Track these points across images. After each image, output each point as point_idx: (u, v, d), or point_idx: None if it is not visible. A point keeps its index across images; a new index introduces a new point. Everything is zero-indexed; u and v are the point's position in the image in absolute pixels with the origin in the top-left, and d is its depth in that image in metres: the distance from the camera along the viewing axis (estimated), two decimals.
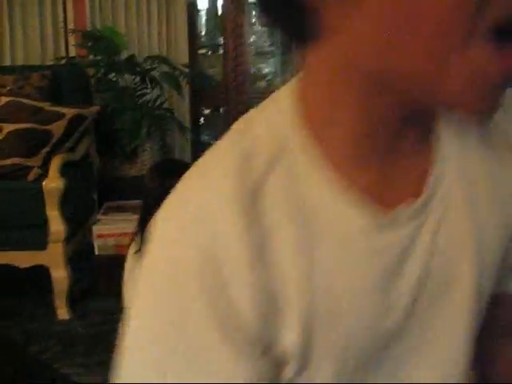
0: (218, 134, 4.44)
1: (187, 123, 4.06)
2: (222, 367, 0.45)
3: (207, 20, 4.45)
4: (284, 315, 0.47)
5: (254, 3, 4.38)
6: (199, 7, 4.42)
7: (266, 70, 4.61)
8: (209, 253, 0.45)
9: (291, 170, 0.49)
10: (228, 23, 4.04)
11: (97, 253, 2.49)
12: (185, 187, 0.53)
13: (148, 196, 1.87)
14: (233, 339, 0.45)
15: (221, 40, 4.23)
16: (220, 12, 4.30)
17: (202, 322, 0.45)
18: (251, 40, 4.26)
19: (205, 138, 4.51)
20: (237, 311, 0.45)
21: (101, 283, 2.48)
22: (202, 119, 4.52)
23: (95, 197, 3.01)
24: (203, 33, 4.48)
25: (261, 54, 4.57)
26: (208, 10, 4.47)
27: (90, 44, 3.26)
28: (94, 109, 2.73)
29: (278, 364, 0.48)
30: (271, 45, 4.58)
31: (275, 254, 0.46)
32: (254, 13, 4.39)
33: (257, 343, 0.46)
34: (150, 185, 1.88)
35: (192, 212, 0.48)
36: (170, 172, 1.90)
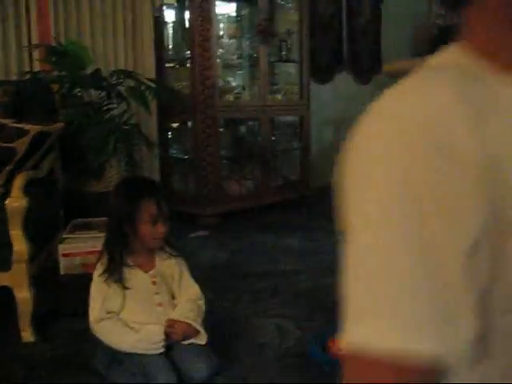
0: (185, 148, 4.40)
1: (154, 138, 4.02)
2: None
3: (174, 33, 4.42)
4: None
5: (222, 15, 4.38)
6: (166, 20, 4.39)
7: (234, 84, 4.60)
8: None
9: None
10: (195, 36, 4.02)
11: (62, 272, 2.43)
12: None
13: (113, 214, 1.83)
14: None
15: (188, 53, 4.21)
16: (187, 25, 4.27)
17: None
18: (219, 53, 4.24)
19: (172, 152, 4.47)
20: None
21: (67, 304, 2.42)
22: (169, 134, 4.47)
23: (61, 214, 2.95)
24: (170, 46, 4.44)
25: (228, 67, 4.56)
26: (175, 23, 4.45)
27: (54, 59, 3.21)
28: (59, 125, 2.67)
29: None
30: (239, 57, 4.58)
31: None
32: (221, 25, 4.39)
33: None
34: (114, 202, 1.84)
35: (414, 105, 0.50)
36: (135, 189, 1.87)
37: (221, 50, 4.33)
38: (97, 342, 1.96)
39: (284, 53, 4.81)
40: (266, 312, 2.47)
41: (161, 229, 1.84)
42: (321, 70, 5.73)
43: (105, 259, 1.87)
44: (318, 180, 5.55)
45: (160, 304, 1.90)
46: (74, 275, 2.42)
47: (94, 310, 1.85)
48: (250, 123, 4.74)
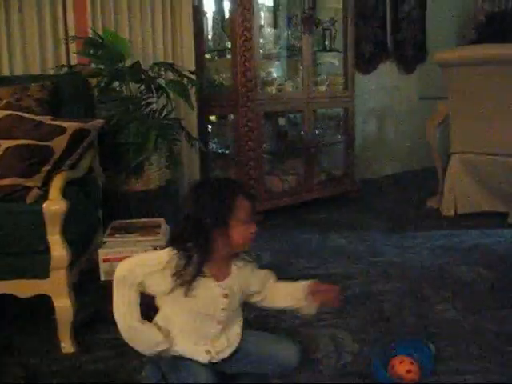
0: (226, 143, 4.24)
1: (195, 133, 3.87)
2: None
3: (214, 23, 4.26)
4: None
5: (261, 4, 4.20)
6: (205, 9, 4.23)
7: (276, 75, 4.42)
8: None
9: None
10: (236, 26, 3.85)
11: (103, 278, 2.30)
12: None
13: (196, 218, 1.64)
14: None
15: (228, 44, 4.04)
16: (227, 15, 4.11)
17: None
18: (260, 44, 4.06)
19: (213, 147, 4.32)
20: None
21: (108, 312, 2.28)
22: (209, 128, 4.32)
23: (100, 215, 2.82)
24: (210, 37, 4.28)
25: (270, 58, 4.38)
26: (214, 13, 4.28)
27: (92, 51, 3.07)
28: (98, 122, 2.53)
29: None
30: (281, 48, 4.40)
31: None
32: (262, 14, 4.21)
33: None
34: (198, 205, 1.65)
35: None
36: (227, 188, 1.69)
37: (262, 41, 4.15)
38: (142, 356, 1.82)
39: (327, 42, 4.61)
40: (316, 321, 2.30)
41: (253, 228, 1.68)
42: (364, 59, 5.51)
43: (177, 259, 1.67)
44: (363, 173, 5.35)
45: (220, 322, 1.73)
46: None
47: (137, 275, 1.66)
48: (293, 116, 4.56)
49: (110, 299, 2.28)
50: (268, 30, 4.31)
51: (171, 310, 1.69)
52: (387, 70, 5.81)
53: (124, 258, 2.28)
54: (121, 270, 1.66)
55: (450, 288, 2.68)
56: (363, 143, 5.48)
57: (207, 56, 4.27)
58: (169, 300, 1.67)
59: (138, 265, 1.65)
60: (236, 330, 1.78)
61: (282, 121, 4.58)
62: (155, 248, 2.29)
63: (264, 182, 4.10)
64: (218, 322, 1.71)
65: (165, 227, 2.56)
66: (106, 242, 2.36)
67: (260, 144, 4.01)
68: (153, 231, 2.46)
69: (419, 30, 6.15)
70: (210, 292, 1.67)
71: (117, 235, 2.42)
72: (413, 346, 1.91)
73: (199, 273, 1.63)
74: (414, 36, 6.09)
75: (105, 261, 2.29)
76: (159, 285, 1.64)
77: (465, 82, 3.78)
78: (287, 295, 1.82)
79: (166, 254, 1.64)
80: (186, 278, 1.61)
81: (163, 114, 3.25)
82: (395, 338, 2.09)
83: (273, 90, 4.20)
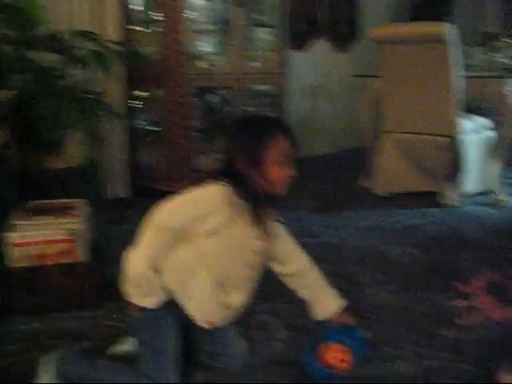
0: (155, 120, 4.06)
1: (122, 109, 3.66)
2: None
3: None
4: None
5: None
6: None
7: (207, 49, 4.24)
8: None
9: None
10: None
11: (13, 265, 2.10)
12: None
13: (232, 155, 1.58)
14: None
15: (157, 16, 3.84)
16: None
17: None
18: (191, 16, 3.87)
19: (141, 123, 4.12)
20: None
21: (17, 301, 2.10)
22: (137, 104, 4.11)
23: (15, 195, 2.60)
24: (138, 8, 4.05)
25: (201, 32, 4.19)
26: None
27: (1, 16, 2.79)
28: (7, 94, 2.31)
29: None
30: (212, 21, 4.22)
31: None
32: None
33: None
34: (238, 141, 1.58)
35: None
36: (267, 126, 1.59)
37: (193, 14, 3.96)
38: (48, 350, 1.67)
39: (259, 17, 4.46)
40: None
41: (291, 172, 1.58)
42: (297, 36, 5.40)
43: (232, 194, 1.54)
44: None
45: (253, 266, 1.65)
46: (27, 268, 2.10)
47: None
48: (224, 92, 4.40)
49: (20, 287, 2.11)
50: (200, 3, 4.13)
51: (204, 248, 1.57)
52: (321, 48, 5.72)
53: (39, 242, 2.11)
54: (159, 213, 1.54)
55: (384, 270, 2.63)
56: (297, 122, 5.39)
57: (135, 28, 4.04)
58: (212, 239, 1.56)
59: (181, 211, 1.55)
60: (245, 300, 1.70)
61: (213, 97, 4.41)
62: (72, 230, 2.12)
63: (193, 161, 3.94)
64: (249, 266, 1.65)
65: (84, 209, 2.37)
66: (18, 225, 2.16)
67: (190, 121, 3.85)
68: (70, 213, 2.27)
69: (353, 8, 6.09)
70: (247, 231, 1.58)
71: (29, 217, 2.21)
72: (345, 332, 1.83)
73: (258, 204, 1.57)
74: (347, 14, 6.03)
75: (16, 245, 2.09)
76: (213, 222, 1.53)
77: (397, 61, 3.73)
78: (317, 293, 1.85)
79: (217, 193, 1.53)
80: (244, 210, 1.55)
81: (85, 88, 3.03)
82: (326, 324, 2.00)
83: (204, 64, 4.03)
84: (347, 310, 1.90)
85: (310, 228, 3.26)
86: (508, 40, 4.45)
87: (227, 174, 1.55)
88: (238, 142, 1.56)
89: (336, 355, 1.72)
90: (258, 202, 1.56)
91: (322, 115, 5.81)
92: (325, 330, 1.83)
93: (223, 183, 1.54)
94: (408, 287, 2.43)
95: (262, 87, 4.59)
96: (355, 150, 5.51)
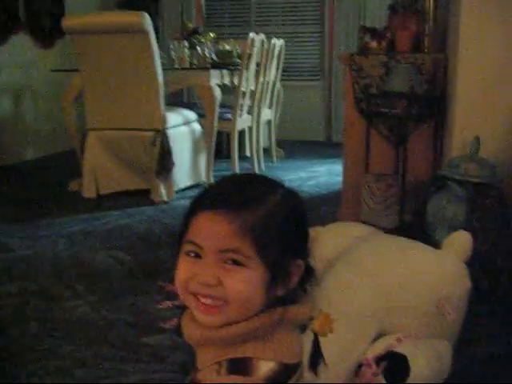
0: None
1: None
2: None
3: None
4: None
5: None
6: None
7: None
8: None
9: None
10: None
11: None
12: None
13: None
14: None
15: None
16: None
17: None
18: None
19: None
20: None
21: None
22: None
23: None
24: None
25: None
26: None
27: None
28: None
29: None
30: None
31: None
32: None
33: None
34: None
35: None
36: None
37: None
38: None
39: None
40: None
41: None
42: None
43: None
44: None
45: None
46: None
47: None
48: None
49: None
50: None
51: None
52: (21, 43, 5.20)
53: None
54: None
55: (85, 279, 2.35)
56: None
57: None
58: None
59: None
60: None
61: None
62: None
63: None
64: None
65: None
66: None
67: None
68: None
69: (56, 1, 5.68)
70: None
71: None
72: None
73: None
74: (50, 7, 5.60)
75: None
76: None
77: (95, 53, 3.47)
78: None
79: None
80: None
81: None
82: None
83: None
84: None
85: (4, 241, 2.83)
86: (208, 35, 4.50)
87: None
88: None
89: None
90: None
91: (27, 117, 5.30)
92: None
93: None
94: (112, 296, 2.19)
95: None
96: (67, 152, 5.12)
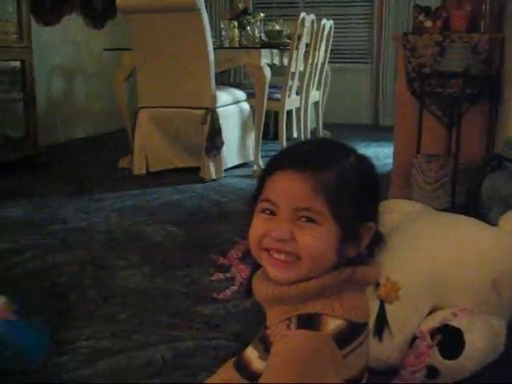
0: None
1: None
2: None
3: None
4: None
5: None
6: None
7: None
8: None
9: None
10: None
11: None
12: None
13: None
14: None
15: None
16: None
17: None
18: None
19: None
20: None
21: None
22: None
23: None
24: None
25: None
26: None
27: None
28: None
29: None
30: None
31: None
32: None
33: None
34: None
35: None
36: None
37: None
38: None
39: None
40: None
41: None
42: (45, 9, 4.92)
43: None
44: (52, 137, 4.82)
45: None
46: None
47: None
48: None
49: None
50: None
51: None
52: (73, 23, 5.29)
53: None
54: None
55: (138, 251, 2.41)
56: (49, 103, 4.93)
57: None
58: None
59: None
60: None
61: None
62: None
63: None
64: None
65: None
66: None
67: None
68: None
69: None
70: None
71: None
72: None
73: None
74: None
75: None
76: None
77: (148, 31, 3.52)
78: None
79: None
80: None
81: None
82: None
83: None
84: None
85: (60, 214, 2.92)
86: (258, 15, 4.51)
87: None
88: None
89: None
90: None
91: (79, 96, 5.41)
92: None
93: None
94: (166, 267, 2.24)
95: (3, 63, 4.08)
96: (118, 131, 5.22)
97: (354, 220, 0.84)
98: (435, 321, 1.48)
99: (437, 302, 1.52)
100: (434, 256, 1.53)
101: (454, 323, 1.45)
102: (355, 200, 0.84)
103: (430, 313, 1.51)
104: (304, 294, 0.84)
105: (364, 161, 0.90)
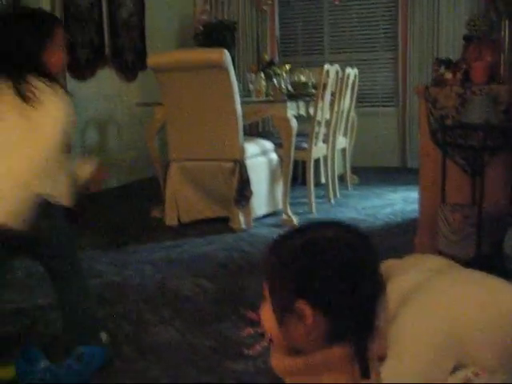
0: None
1: None
2: None
3: None
4: None
5: None
6: None
7: None
8: None
9: None
10: None
11: None
12: None
13: None
14: None
15: None
16: None
17: None
18: None
19: None
20: None
21: None
22: None
23: None
24: None
25: None
26: None
27: None
28: None
29: None
30: None
31: None
32: None
33: None
34: None
35: None
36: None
37: None
38: None
39: None
40: None
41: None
42: (79, 64, 5.14)
43: None
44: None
45: None
46: None
47: None
48: None
49: None
50: None
51: None
52: (106, 77, 5.52)
53: None
54: None
55: (171, 305, 2.49)
56: (84, 155, 5.11)
57: None
58: None
59: None
60: None
61: None
62: None
63: None
64: None
65: None
66: None
67: None
68: None
69: (138, 36, 6.00)
70: None
71: None
72: None
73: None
74: (133, 42, 5.92)
75: None
76: None
77: (177, 88, 3.67)
78: None
79: None
80: None
81: None
82: None
83: None
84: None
85: (94, 267, 3.03)
86: (283, 66, 4.64)
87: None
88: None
89: None
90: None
91: (111, 147, 5.59)
92: None
93: None
94: (197, 322, 2.31)
95: None
96: (148, 180, 5.35)
97: (286, 297, 0.91)
98: (457, 379, 1.52)
99: (459, 359, 1.56)
100: (453, 317, 1.57)
101: (476, 381, 1.49)
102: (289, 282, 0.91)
103: (454, 370, 1.56)
104: (292, 370, 0.95)
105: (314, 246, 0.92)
